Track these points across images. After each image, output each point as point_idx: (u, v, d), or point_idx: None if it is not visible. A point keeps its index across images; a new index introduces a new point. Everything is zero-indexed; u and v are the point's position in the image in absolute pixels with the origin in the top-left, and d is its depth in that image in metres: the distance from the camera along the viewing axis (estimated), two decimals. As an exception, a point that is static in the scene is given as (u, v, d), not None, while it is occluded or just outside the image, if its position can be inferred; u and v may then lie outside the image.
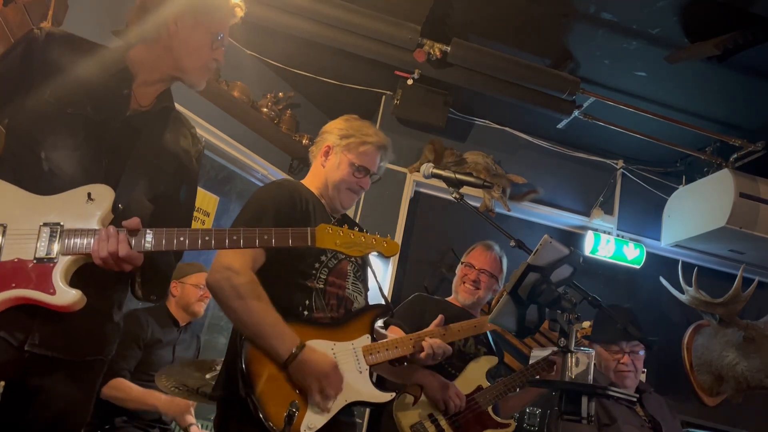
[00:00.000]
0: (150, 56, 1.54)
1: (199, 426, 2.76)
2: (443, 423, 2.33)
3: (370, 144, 1.93)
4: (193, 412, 2.91)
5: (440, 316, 2.07)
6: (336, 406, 1.66)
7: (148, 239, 1.35)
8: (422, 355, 1.92)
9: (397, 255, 3.72)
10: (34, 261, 1.29)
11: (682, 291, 3.68)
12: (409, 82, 3.62)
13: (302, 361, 1.60)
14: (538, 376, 2.54)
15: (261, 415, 1.53)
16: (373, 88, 3.94)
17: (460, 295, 2.72)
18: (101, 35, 1.57)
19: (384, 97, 4.03)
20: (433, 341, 1.95)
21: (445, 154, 3.84)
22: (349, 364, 1.73)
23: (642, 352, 2.55)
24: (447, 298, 2.81)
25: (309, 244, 1.47)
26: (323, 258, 1.80)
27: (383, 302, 1.91)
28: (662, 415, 2.46)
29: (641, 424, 2.37)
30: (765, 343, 3.54)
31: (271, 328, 1.61)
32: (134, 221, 1.34)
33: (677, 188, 4.09)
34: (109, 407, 2.61)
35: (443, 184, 2.01)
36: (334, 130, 1.98)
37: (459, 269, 2.78)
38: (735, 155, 3.82)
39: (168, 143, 1.57)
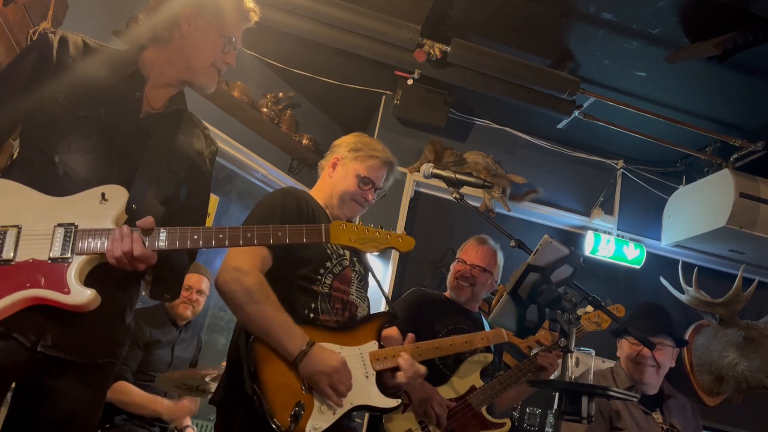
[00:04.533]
0: (162, 58, 1.54)
1: (195, 428, 2.77)
2: (434, 430, 2.30)
3: (378, 159, 1.99)
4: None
5: (410, 335, 1.97)
6: (342, 409, 1.67)
7: (162, 238, 1.35)
8: (399, 379, 1.82)
9: (397, 255, 3.74)
10: (49, 261, 1.30)
11: (682, 291, 3.68)
12: (409, 82, 3.62)
13: (312, 358, 1.62)
14: (530, 373, 2.49)
15: (266, 412, 1.54)
16: (373, 88, 3.94)
17: (453, 291, 2.67)
18: (101, 35, 1.57)
19: (384, 97, 4.03)
20: (408, 360, 1.83)
21: (445, 154, 3.83)
22: (356, 368, 1.73)
23: (671, 348, 2.47)
24: (444, 293, 2.77)
25: (324, 240, 1.48)
26: (328, 264, 1.82)
27: (387, 306, 1.92)
28: (684, 422, 2.41)
29: None
30: (765, 343, 3.53)
31: (281, 326, 1.63)
32: (148, 220, 1.35)
33: (677, 188, 4.09)
34: (109, 406, 2.61)
35: (443, 184, 2.01)
36: (343, 144, 2.04)
37: (452, 265, 2.74)
38: (735, 155, 3.82)
39: (180, 145, 1.57)
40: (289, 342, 1.62)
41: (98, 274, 1.35)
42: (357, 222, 1.65)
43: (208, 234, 1.39)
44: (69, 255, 1.30)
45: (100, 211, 1.35)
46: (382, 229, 1.58)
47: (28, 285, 1.27)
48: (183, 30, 1.52)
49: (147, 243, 1.33)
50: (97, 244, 1.32)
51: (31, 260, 1.29)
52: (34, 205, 1.33)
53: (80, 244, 1.31)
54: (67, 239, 1.31)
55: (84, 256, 1.31)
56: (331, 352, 1.67)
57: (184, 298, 2.96)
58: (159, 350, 2.86)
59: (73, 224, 1.32)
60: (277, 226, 1.44)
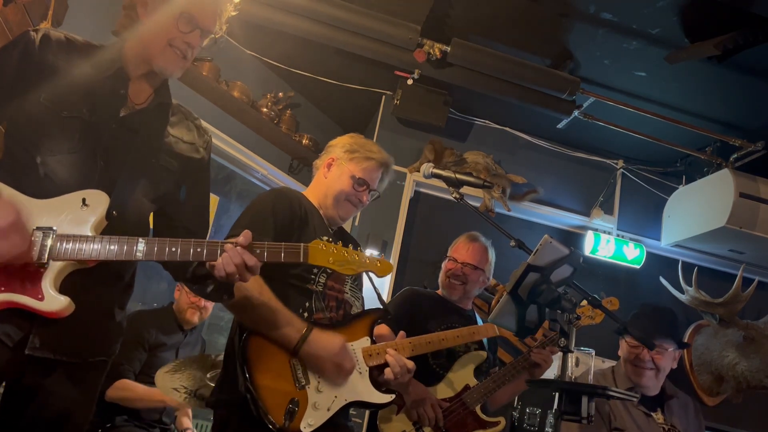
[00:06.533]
0: (133, 50, 1.51)
1: (195, 428, 2.77)
2: (428, 431, 2.29)
3: (374, 160, 1.98)
4: (190, 414, 2.91)
5: (401, 333, 1.99)
6: (336, 405, 1.67)
7: (140, 248, 1.33)
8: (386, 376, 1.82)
9: (397, 254, 3.75)
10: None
11: (682, 291, 3.67)
12: (409, 82, 3.62)
13: (313, 342, 1.64)
14: (524, 370, 2.47)
15: (260, 410, 1.54)
16: (373, 88, 3.94)
17: (445, 290, 2.65)
18: (101, 35, 1.56)
19: (384, 97, 4.03)
20: (396, 356, 1.83)
21: (445, 154, 3.83)
22: None
23: (672, 350, 2.43)
24: (437, 291, 2.75)
25: (301, 260, 1.46)
26: None
27: (381, 305, 1.92)
28: (686, 421, 2.39)
29: None
30: (765, 343, 3.53)
31: (280, 315, 1.64)
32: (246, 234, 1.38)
33: (677, 188, 4.09)
34: (110, 406, 2.61)
35: (443, 184, 2.01)
36: (338, 144, 2.04)
37: (444, 264, 2.72)
38: (735, 155, 3.82)
39: (169, 140, 1.55)
40: (288, 330, 1.63)
41: (83, 273, 1.34)
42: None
43: (187, 247, 1.37)
44: (45, 260, 1.27)
45: (80, 216, 1.33)
46: (361, 251, 1.57)
47: (2, 288, 1.26)
48: (140, 15, 1.49)
49: (125, 253, 1.32)
50: (74, 250, 1.29)
51: None
52: None
53: (57, 249, 1.29)
54: (45, 244, 1.28)
55: (60, 262, 1.29)
56: (329, 334, 1.69)
57: (192, 305, 2.97)
58: (164, 353, 2.87)
59: (51, 228, 1.30)
60: (255, 243, 1.42)
